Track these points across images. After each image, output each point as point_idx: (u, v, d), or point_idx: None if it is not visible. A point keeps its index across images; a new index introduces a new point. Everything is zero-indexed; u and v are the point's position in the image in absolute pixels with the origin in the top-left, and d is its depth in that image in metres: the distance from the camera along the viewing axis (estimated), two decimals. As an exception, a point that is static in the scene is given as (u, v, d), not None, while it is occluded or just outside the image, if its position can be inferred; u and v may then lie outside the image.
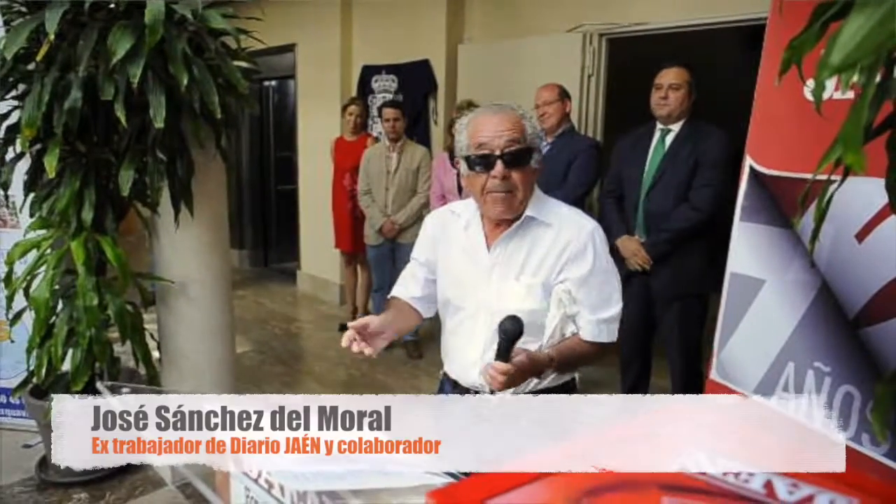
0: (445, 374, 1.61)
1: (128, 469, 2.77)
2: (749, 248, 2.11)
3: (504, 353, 1.27)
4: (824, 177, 0.96)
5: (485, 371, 1.28)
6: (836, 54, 0.52)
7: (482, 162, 1.38)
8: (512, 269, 1.45)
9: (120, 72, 2.11)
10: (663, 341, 2.99)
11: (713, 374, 2.19)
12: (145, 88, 2.19)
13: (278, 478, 0.80)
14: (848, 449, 1.69)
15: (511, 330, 1.24)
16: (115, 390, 0.89)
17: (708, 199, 2.72)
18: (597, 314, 1.44)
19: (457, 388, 1.56)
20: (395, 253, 4.16)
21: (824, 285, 1.85)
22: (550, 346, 1.43)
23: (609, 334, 1.46)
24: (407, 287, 1.63)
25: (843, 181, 0.87)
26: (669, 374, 3.03)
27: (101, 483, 2.67)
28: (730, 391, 2.11)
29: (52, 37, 1.99)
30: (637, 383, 3.17)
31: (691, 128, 2.82)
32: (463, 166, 1.45)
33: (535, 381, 1.45)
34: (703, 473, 0.49)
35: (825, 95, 1.79)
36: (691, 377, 2.92)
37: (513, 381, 1.27)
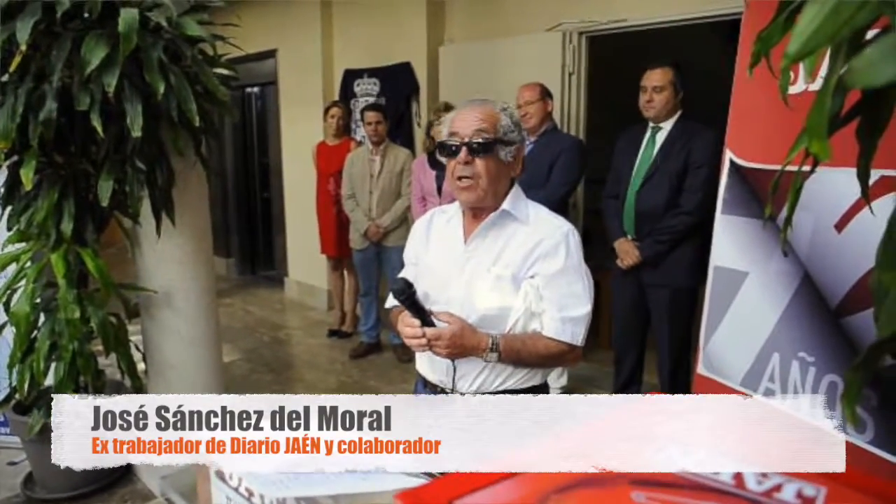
0: (417, 372, 1.63)
1: (116, 483, 2.74)
2: (731, 242, 2.13)
3: (415, 313, 1.38)
4: (795, 168, 0.96)
5: (401, 329, 1.41)
6: (793, 44, 0.52)
7: (450, 148, 1.45)
8: (485, 261, 1.48)
9: (95, 81, 2.09)
10: (654, 334, 3.02)
11: (700, 368, 2.20)
12: (122, 97, 2.17)
13: (257, 485, 0.79)
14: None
15: (397, 289, 1.36)
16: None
17: (698, 202, 2.77)
18: (562, 312, 1.45)
19: (426, 385, 1.58)
20: (380, 256, 4.15)
21: (806, 276, 1.86)
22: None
23: (572, 335, 1.46)
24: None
25: (812, 171, 0.87)
26: (657, 367, 3.05)
27: (89, 498, 2.64)
28: (717, 384, 2.12)
29: (24, 47, 1.97)
30: (631, 378, 3.18)
31: (682, 126, 2.88)
32: (438, 153, 1.53)
33: (500, 380, 1.48)
34: (674, 465, 0.49)
35: (800, 88, 1.80)
36: (680, 371, 2.95)
37: (450, 348, 1.37)
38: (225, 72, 2.67)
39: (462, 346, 1.38)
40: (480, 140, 1.43)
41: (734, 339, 2.09)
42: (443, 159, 1.51)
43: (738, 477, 0.48)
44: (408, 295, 1.36)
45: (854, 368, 0.60)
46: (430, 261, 1.60)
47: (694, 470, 0.48)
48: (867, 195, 0.90)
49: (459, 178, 1.45)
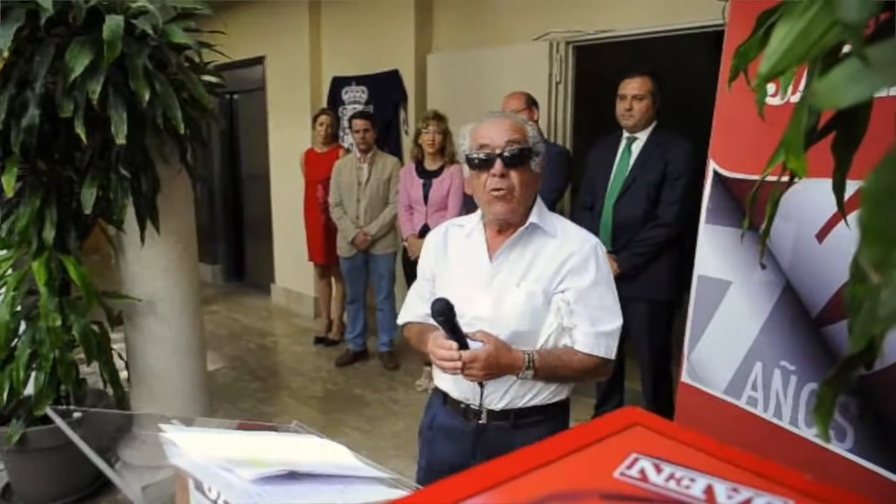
0: (436, 389, 1.59)
1: (97, 493, 2.70)
2: (715, 251, 2.14)
3: (451, 334, 1.32)
4: (774, 178, 0.97)
5: (433, 350, 1.35)
6: (764, 64, 0.53)
7: (483, 160, 1.40)
8: (514, 276, 1.45)
9: (79, 88, 2.08)
10: (634, 346, 3.02)
11: (684, 377, 2.21)
12: (106, 104, 2.16)
13: (234, 497, 0.78)
14: (813, 445, 1.71)
15: (437, 310, 1.30)
16: (65, 415, 0.86)
17: (676, 214, 2.77)
18: (595, 327, 1.44)
19: (447, 402, 1.54)
20: (368, 264, 4.15)
21: (788, 285, 1.88)
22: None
23: (606, 349, 1.45)
24: (415, 310, 1.63)
25: (790, 183, 0.89)
26: (640, 378, 3.05)
27: (70, 508, 2.61)
28: (701, 392, 2.14)
29: (6, 53, 1.96)
30: (611, 389, 3.19)
31: (658, 137, 2.86)
32: (465, 169, 1.48)
33: (529, 396, 1.45)
34: (645, 481, 0.49)
35: (781, 100, 1.82)
36: (661, 380, 2.96)
37: (486, 369, 1.32)
38: (211, 79, 2.66)
39: (498, 366, 1.35)
40: (514, 150, 1.39)
41: (718, 348, 2.10)
42: (468, 173, 1.46)
43: (709, 491, 0.48)
44: (447, 317, 1.31)
45: (827, 383, 0.61)
46: (450, 277, 1.55)
47: (665, 485, 0.49)
48: (843, 208, 0.92)
49: (494, 190, 1.40)
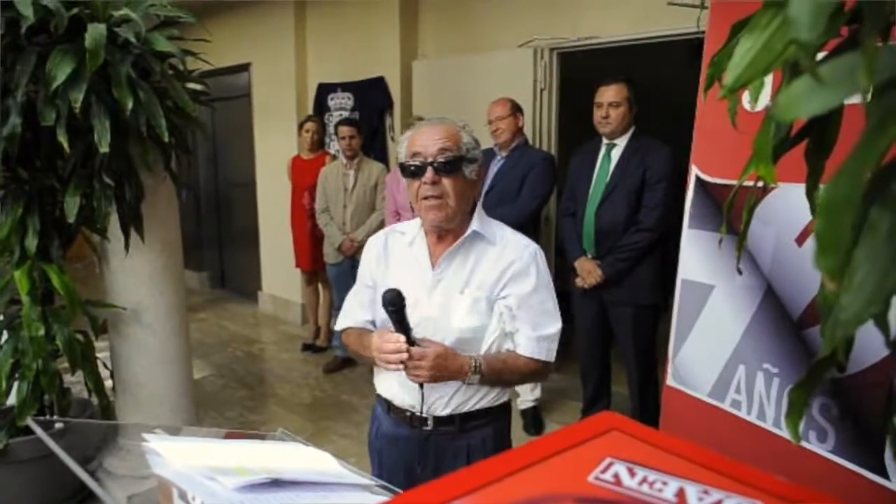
0: (378, 397, 1.60)
1: (84, 500, 2.68)
2: (698, 255, 2.17)
3: (399, 328, 1.34)
4: (751, 183, 0.99)
5: (379, 345, 1.36)
6: (729, 75, 0.55)
7: (415, 169, 1.43)
8: (457, 284, 1.47)
9: (61, 96, 2.07)
10: (620, 350, 3.04)
11: (669, 380, 2.23)
12: (89, 113, 2.15)
13: (217, 506, 0.78)
14: (796, 446, 1.74)
15: (389, 299, 1.31)
16: (46, 426, 0.86)
17: (658, 218, 2.80)
18: (536, 331, 1.47)
19: (391, 410, 1.55)
20: (355, 270, 4.11)
21: (769, 289, 1.91)
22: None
23: (547, 353, 1.49)
24: (354, 316, 1.62)
25: (766, 191, 0.90)
26: (626, 382, 3.08)
27: (54, 519, 2.58)
28: (685, 396, 2.16)
29: (-13, 62, 1.95)
30: (598, 392, 3.21)
31: (637, 142, 2.89)
32: (401, 173, 1.50)
33: (474, 400, 1.47)
34: (619, 484, 0.51)
35: (761, 106, 1.85)
36: (647, 384, 2.98)
37: (433, 370, 1.34)
38: (196, 87, 2.66)
39: (445, 367, 1.36)
40: (444, 158, 1.41)
41: (701, 352, 2.12)
42: (405, 180, 1.49)
43: (681, 493, 0.49)
44: (398, 307, 1.32)
45: (798, 386, 0.62)
46: (392, 284, 1.52)
47: (638, 489, 0.50)
48: (815, 214, 0.93)
49: (426, 198, 1.42)
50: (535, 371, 1.50)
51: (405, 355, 1.34)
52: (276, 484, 0.82)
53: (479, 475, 0.52)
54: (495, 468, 0.53)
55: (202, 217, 6.71)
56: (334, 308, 4.42)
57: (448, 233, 1.49)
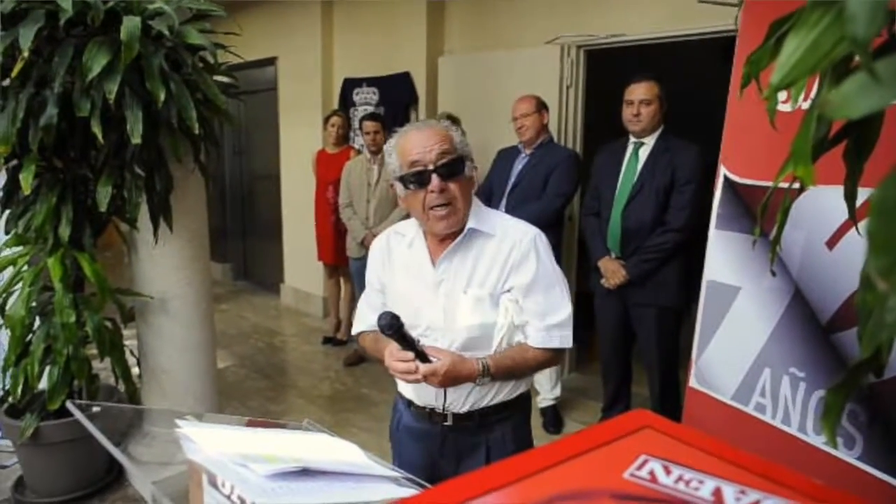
0: (400, 394, 1.60)
1: (107, 487, 2.74)
2: (725, 257, 2.14)
3: (404, 345, 1.32)
4: (786, 185, 0.98)
5: (391, 364, 1.36)
6: (776, 75, 0.54)
7: (417, 179, 1.37)
8: (459, 283, 1.45)
9: (96, 88, 2.11)
10: (641, 351, 3.02)
11: (692, 382, 2.21)
12: (122, 104, 2.19)
13: (249, 493, 0.80)
14: (822, 453, 1.71)
15: (385, 325, 1.28)
16: (84, 409, 0.88)
17: (686, 220, 2.76)
18: (545, 320, 1.44)
19: (411, 407, 1.56)
20: (377, 265, 4.16)
21: (797, 292, 1.88)
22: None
23: (560, 340, 1.45)
24: (367, 320, 1.60)
25: (799, 193, 0.89)
26: (648, 383, 3.05)
27: (79, 503, 2.64)
28: (708, 398, 2.14)
29: (26, 53, 1.99)
30: (618, 392, 3.19)
31: (666, 142, 2.85)
32: (399, 188, 1.44)
33: (491, 395, 1.47)
34: (654, 482, 0.51)
35: (793, 106, 1.83)
36: (669, 386, 2.95)
37: (445, 383, 1.34)
38: (225, 80, 2.69)
39: (456, 378, 1.35)
40: (446, 161, 1.36)
41: (726, 354, 2.10)
42: (404, 192, 1.41)
43: (718, 493, 0.49)
44: (396, 329, 1.29)
45: (835, 389, 0.61)
46: (398, 288, 1.54)
47: (674, 486, 0.50)
48: (854, 216, 0.92)
49: (434, 207, 1.38)
50: (549, 360, 1.47)
51: (419, 376, 1.32)
52: (306, 473, 0.83)
53: (514, 469, 0.52)
54: (530, 463, 0.53)
55: (227, 209, 6.79)
56: (356, 301, 4.44)
57: (448, 234, 1.46)
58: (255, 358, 4.59)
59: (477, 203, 1.50)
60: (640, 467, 0.53)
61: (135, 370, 2.80)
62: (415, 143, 1.38)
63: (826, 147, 0.89)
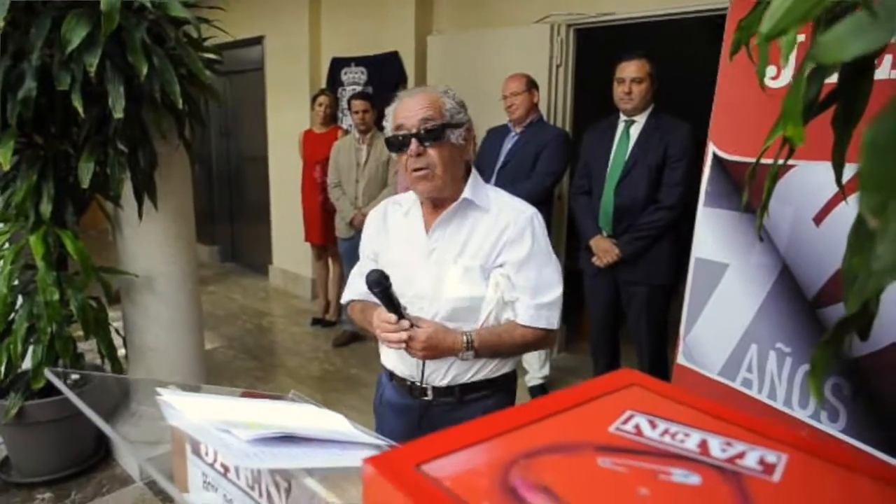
0: (383, 366, 1.60)
1: (94, 467, 2.72)
2: (713, 234, 2.14)
3: (389, 307, 1.34)
4: (769, 161, 0.97)
5: (378, 325, 1.37)
6: (766, 23, 0.53)
7: (399, 142, 1.41)
8: (451, 252, 1.45)
9: (76, 61, 2.07)
10: (631, 329, 3.03)
11: (680, 358, 2.22)
12: (103, 78, 2.14)
13: (231, 458, 0.78)
14: (807, 426, 1.73)
15: (373, 280, 1.31)
16: (62, 377, 0.86)
17: (679, 197, 2.75)
18: (535, 299, 1.43)
19: (393, 379, 1.56)
20: (366, 245, 4.14)
21: (785, 268, 1.88)
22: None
23: (547, 321, 1.45)
24: (358, 288, 1.60)
25: (788, 158, 0.88)
26: (637, 361, 3.07)
27: (67, 482, 2.62)
28: (696, 374, 2.15)
29: (2, 24, 1.94)
30: (608, 370, 3.19)
31: (657, 119, 2.84)
32: (388, 149, 1.49)
33: (473, 370, 1.46)
34: (640, 435, 0.50)
35: (783, 82, 1.82)
36: (658, 363, 2.97)
37: (425, 350, 1.35)
38: (210, 56, 2.64)
39: (437, 347, 1.36)
40: (427, 127, 1.38)
41: (714, 330, 2.11)
42: (393, 155, 1.47)
43: (703, 445, 0.49)
44: (383, 287, 1.31)
45: (821, 346, 0.61)
46: (392, 256, 1.54)
47: (660, 439, 0.49)
48: (842, 184, 0.91)
49: (414, 170, 1.40)
50: (537, 340, 1.47)
51: (404, 335, 1.34)
52: (290, 440, 0.82)
53: (498, 423, 0.51)
54: (514, 418, 0.52)
55: (214, 190, 6.73)
56: (344, 282, 4.43)
57: (442, 201, 1.46)
58: (244, 339, 4.57)
59: (475, 176, 1.50)
60: (625, 422, 0.52)
61: (121, 351, 2.78)
62: (403, 108, 1.42)
63: (815, 111, 0.88)
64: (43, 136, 2.38)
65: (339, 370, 4.03)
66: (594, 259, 2.95)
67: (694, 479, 0.44)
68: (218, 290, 5.75)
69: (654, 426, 0.51)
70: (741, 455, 0.47)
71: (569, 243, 3.83)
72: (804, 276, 1.82)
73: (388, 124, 1.46)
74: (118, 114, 2.14)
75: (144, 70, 2.10)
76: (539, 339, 1.47)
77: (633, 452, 0.47)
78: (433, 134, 1.39)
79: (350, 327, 4.39)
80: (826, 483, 0.45)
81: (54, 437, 2.57)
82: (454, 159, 1.43)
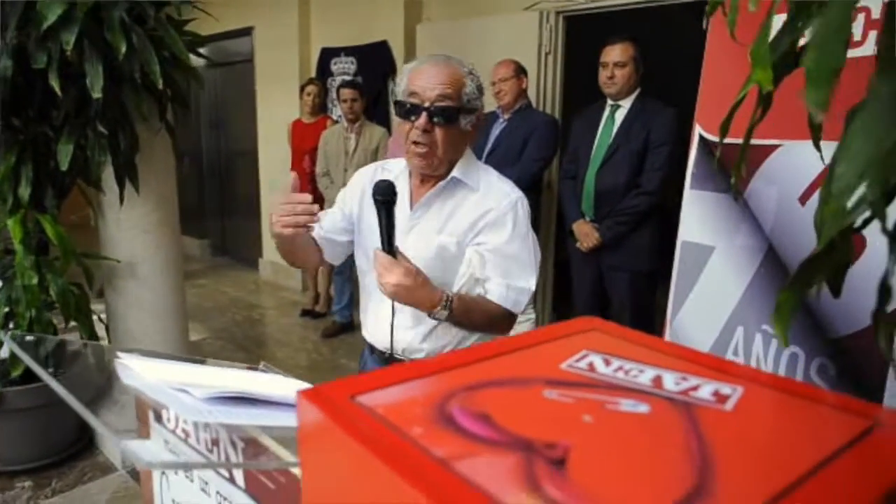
0: (364, 340, 1.56)
1: (76, 455, 2.69)
2: (699, 216, 2.13)
3: (385, 227, 1.26)
4: (758, 142, 0.95)
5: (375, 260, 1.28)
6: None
7: (409, 110, 1.34)
8: (432, 230, 1.41)
9: (53, 39, 2.03)
10: (616, 316, 3.01)
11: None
12: (81, 57, 2.11)
13: (185, 413, 0.75)
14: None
15: (383, 187, 1.23)
16: (22, 343, 0.84)
17: (659, 182, 2.73)
18: (507, 279, 1.39)
19: (373, 352, 1.53)
20: (355, 235, 4.11)
21: (770, 249, 1.87)
22: None
23: (514, 304, 1.40)
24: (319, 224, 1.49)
25: (765, 111, 0.86)
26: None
27: (48, 470, 2.59)
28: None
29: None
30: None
31: (642, 104, 2.82)
32: (395, 110, 1.41)
33: (443, 344, 1.43)
34: (592, 371, 0.48)
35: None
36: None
37: (398, 286, 1.25)
38: (192, 38, 2.61)
39: (411, 289, 1.26)
40: (442, 105, 1.31)
41: (700, 314, 2.10)
42: (398, 118, 1.39)
43: (657, 379, 0.46)
44: (386, 199, 1.23)
45: (788, 287, 0.59)
46: (371, 221, 1.44)
47: (613, 375, 0.47)
48: (818, 140, 0.89)
49: (415, 143, 1.34)
50: (501, 320, 1.41)
51: (302, 219, 1.23)
52: (249, 401, 0.80)
53: (449, 360, 0.49)
54: (462, 356, 0.50)
55: (204, 184, 6.68)
56: (334, 274, 4.40)
57: (431, 177, 1.42)
58: (233, 331, 4.54)
59: (469, 155, 1.46)
60: (579, 360, 0.50)
61: (104, 342, 2.74)
62: (422, 75, 1.34)
63: (789, 68, 0.86)
64: (21, 119, 2.35)
65: (327, 360, 4.00)
66: (577, 244, 2.94)
67: (642, 408, 0.42)
68: (208, 284, 5.71)
69: (608, 364, 0.49)
70: (695, 388, 0.45)
71: (559, 231, 3.81)
72: (790, 256, 1.80)
73: (402, 85, 1.38)
74: (96, 93, 2.11)
75: (123, 49, 2.07)
76: (502, 320, 1.42)
77: (582, 385, 0.45)
78: (445, 116, 1.33)
79: (339, 318, 4.36)
80: (780, 411, 0.43)
81: (35, 425, 2.53)
82: (457, 144, 1.39)
